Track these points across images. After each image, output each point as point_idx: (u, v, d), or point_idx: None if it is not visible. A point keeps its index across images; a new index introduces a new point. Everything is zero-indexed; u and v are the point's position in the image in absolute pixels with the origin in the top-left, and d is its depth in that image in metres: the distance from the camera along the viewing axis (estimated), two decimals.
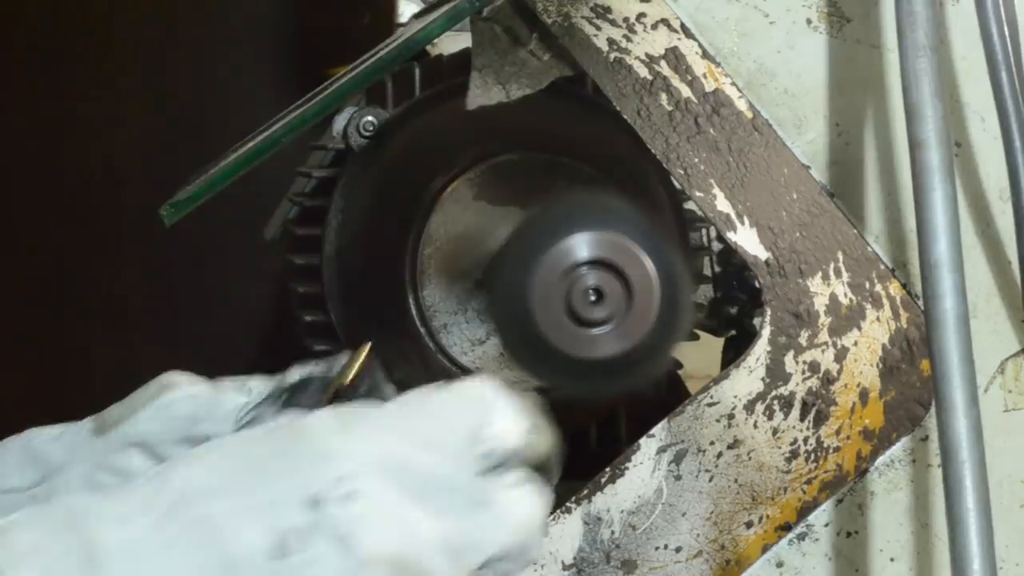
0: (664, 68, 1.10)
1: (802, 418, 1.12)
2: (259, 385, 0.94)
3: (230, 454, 0.82)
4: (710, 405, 1.12)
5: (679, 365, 1.34)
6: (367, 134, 1.30)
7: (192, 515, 0.79)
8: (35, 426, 1.01)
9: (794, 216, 1.11)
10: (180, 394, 0.95)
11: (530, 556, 0.86)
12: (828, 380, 1.12)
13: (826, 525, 1.13)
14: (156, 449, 0.94)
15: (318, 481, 0.80)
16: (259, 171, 1.09)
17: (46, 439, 0.97)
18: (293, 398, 0.97)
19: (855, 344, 1.12)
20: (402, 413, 0.84)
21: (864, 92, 1.11)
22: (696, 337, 1.37)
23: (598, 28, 1.10)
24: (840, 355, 1.12)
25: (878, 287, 1.12)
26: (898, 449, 1.13)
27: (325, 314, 1.31)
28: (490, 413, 0.85)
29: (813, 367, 1.12)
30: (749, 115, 1.11)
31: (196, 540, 0.79)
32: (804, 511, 1.12)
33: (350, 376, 0.93)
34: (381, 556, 0.80)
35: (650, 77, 1.10)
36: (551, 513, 1.10)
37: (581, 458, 1.31)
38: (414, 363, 1.26)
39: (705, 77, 1.10)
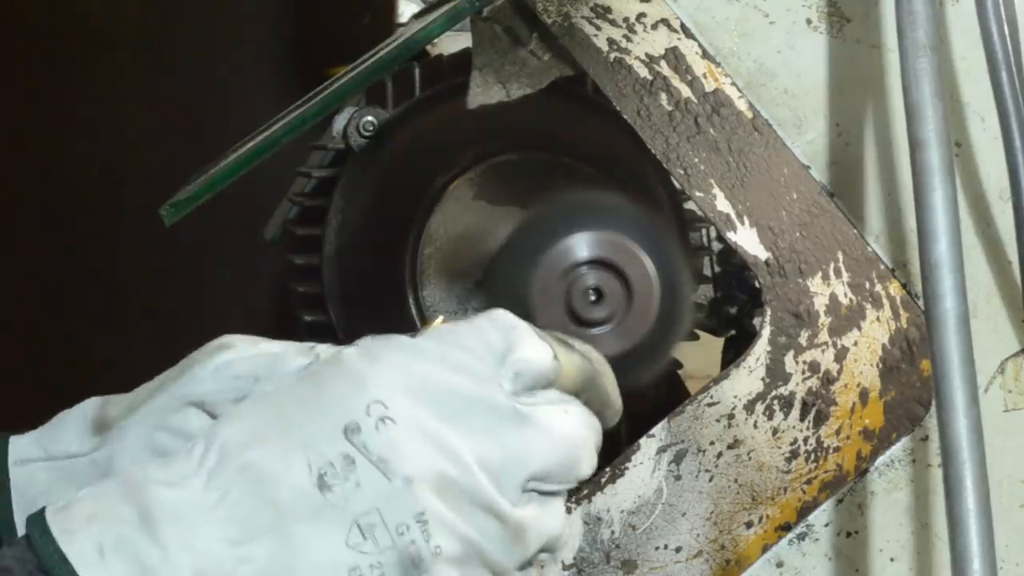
0: (664, 68, 1.10)
1: (802, 418, 1.12)
2: (326, 349, 0.93)
3: (267, 402, 0.84)
4: (710, 405, 1.12)
5: (679, 365, 1.34)
6: (367, 134, 1.30)
7: (236, 465, 0.81)
8: (34, 426, 1.02)
9: (794, 216, 1.11)
10: (238, 355, 0.95)
11: (579, 472, 0.87)
12: (828, 380, 1.12)
13: (826, 525, 1.13)
14: (215, 409, 0.94)
15: (351, 411, 0.81)
16: (259, 171, 1.09)
17: (107, 404, 0.98)
18: None
19: (855, 344, 1.12)
20: (431, 340, 0.85)
21: (864, 92, 1.11)
22: (696, 337, 1.37)
23: (598, 28, 1.10)
24: (840, 355, 1.12)
25: (878, 287, 1.12)
26: (898, 449, 1.13)
27: (325, 314, 1.31)
28: (518, 337, 0.86)
29: (813, 367, 1.12)
30: (749, 115, 1.11)
31: (243, 488, 0.81)
32: (804, 511, 1.12)
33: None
34: (422, 475, 0.81)
35: (650, 77, 1.10)
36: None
37: None
38: None
39: (705, 77, 1.10)
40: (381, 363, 0.83)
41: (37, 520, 0.80)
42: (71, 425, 0.98)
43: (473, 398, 0.84)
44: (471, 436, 0.83)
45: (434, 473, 0.82)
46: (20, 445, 0.99)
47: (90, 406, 0.99)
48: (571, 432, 0.86)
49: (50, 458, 0.97)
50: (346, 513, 0.80)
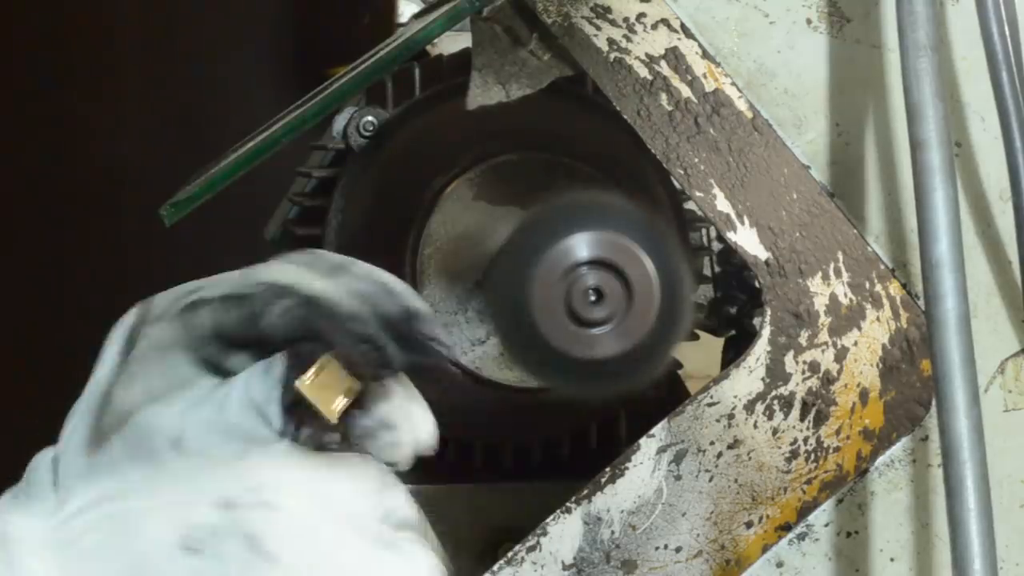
0: (664, 68, 1.10)
1: (802, 418, 1.12)
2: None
3: (148, 463, 0.82)
4: (710, 405, 1.12)
5: (679, 365, 1.34)
6: (367, 134, 1.30)
7: (103, 512, 0.80)
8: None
9: (794, 216, 1.11)
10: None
11: None
12: (828, 380, 1.12)
13: (826, 525, 1.13)
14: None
15: (233, 486, 0.81)
16: (259, 171, 1.09)
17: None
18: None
19: (855, 344, 1.12)
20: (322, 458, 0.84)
21: (864, 92, 1.11)
22: (696, 337, 1.37)
23: (598, 28, 1.10)
24: (840, 355, 1.12)
25: (878, 287, 1.12)
26: (898, 449, 1.13)
27: None
28: (393, 483, 0.86)
29: (813, 367, 1.12)
30: (749, 115, 1.11)
31: (105, 535, 0.80)
32: (804, 511, 1.12)
33: (334, 411, 0.84)
34: (289, 564, 0.80)
35: (650, 77, 1.10)
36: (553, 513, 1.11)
37: (581, 458, 1.31)
38: None
39: (705, 77, 1.10)
40: (280, 456, 0.82)
41: None
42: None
43: (356, 513, 0.83)
44: (349, 545, 0.82)
45: (303, 567, 0.81)
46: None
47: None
48: (428, 569, 0.85)
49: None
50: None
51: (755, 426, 1.12)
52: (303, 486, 0.82)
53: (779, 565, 1.13)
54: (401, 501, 0.86)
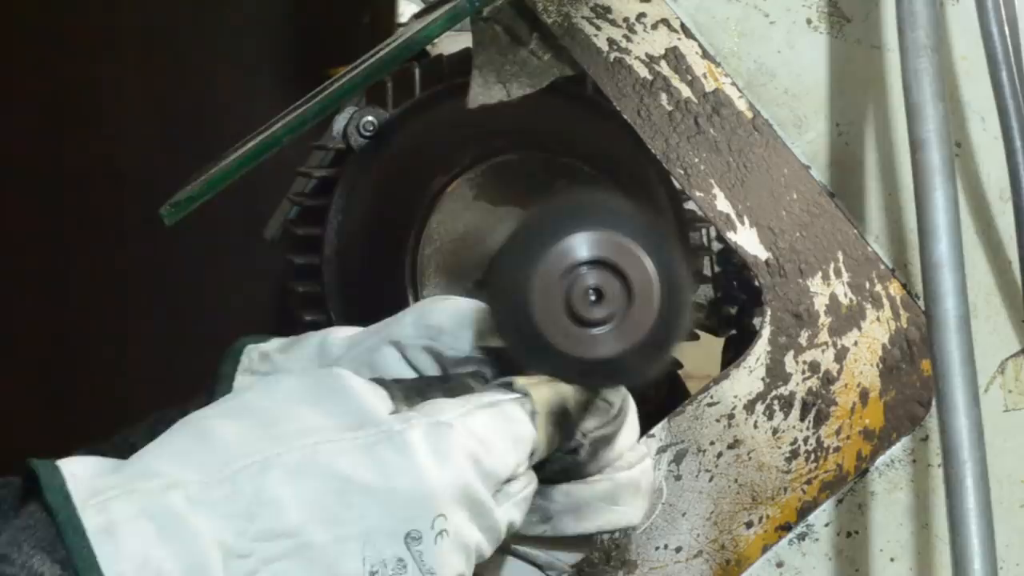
0: (664, 68, 1.10)
1: (802, 418, 1.12)
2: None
3: (328, 474, 0.83)
4: (710, 405, 1.12)
5: (679, 365, 1.34)
6: (367, 134, 1.30)
7: (293, 544, 0.81)
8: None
9: (794, 216, 1.11)
10: (440, 306, 0.98)
11: None
12: (828, 380, 1.12)
13: (826, 525, 1.13)
14: (407, 352, 0.97)
15: (416, 520, 0.84)
16: (259, 171, 1.09)
17: (338, 336, 1.00)
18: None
19: (855, 344, 1.12)
20: (477, 436, 0.88)
21: (864, 92, 1.11)
22: (696, 337, 1.37)
23: (598, 28, 1.10)
24: (840, 355, 1.12)
25: (878, 287, 1.12)
26: (898, 449, 1.13)
27: (325, 314, 1.31)
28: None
29: (813, 367, 1.12)
30: (749, 115, 1.11)
31: (291, 562, 0.82)
32: (804, 511, 1.12)
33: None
34: None
35: (650, 77, 1.10)
36: None
37: None
38: None
39: (705, 77, 1.10)
40: (448, 469, 0.85)
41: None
42: (308, 351, 1.00)
43: (486, 506, 0.87)
44: (480, 534, 0.87)
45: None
46: (253, 357, 1.01)
47: (325, 334, 1.01)
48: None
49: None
50: None
51: (755, 426, 1.12)
52: (470, 495, 0.88)
53: (779, 565, 1.13)
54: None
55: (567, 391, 0.92)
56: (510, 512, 0.88)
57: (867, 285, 1.12)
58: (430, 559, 0.83)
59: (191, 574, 0.78)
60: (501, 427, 0.88)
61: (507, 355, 0.94)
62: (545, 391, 0.91)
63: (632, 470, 0.96)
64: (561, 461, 0.93)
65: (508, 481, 0.88)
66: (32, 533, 0.78)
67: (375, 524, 0.83)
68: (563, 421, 0.91)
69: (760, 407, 1.12)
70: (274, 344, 1.02)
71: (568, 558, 0.98)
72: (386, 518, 0.83)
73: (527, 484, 0.89)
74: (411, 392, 0.90)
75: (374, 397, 0.87)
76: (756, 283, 1.15)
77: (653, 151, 1.10)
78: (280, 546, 0.81)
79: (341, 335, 1.00)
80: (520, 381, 0.91)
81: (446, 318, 0.97)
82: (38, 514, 0.79)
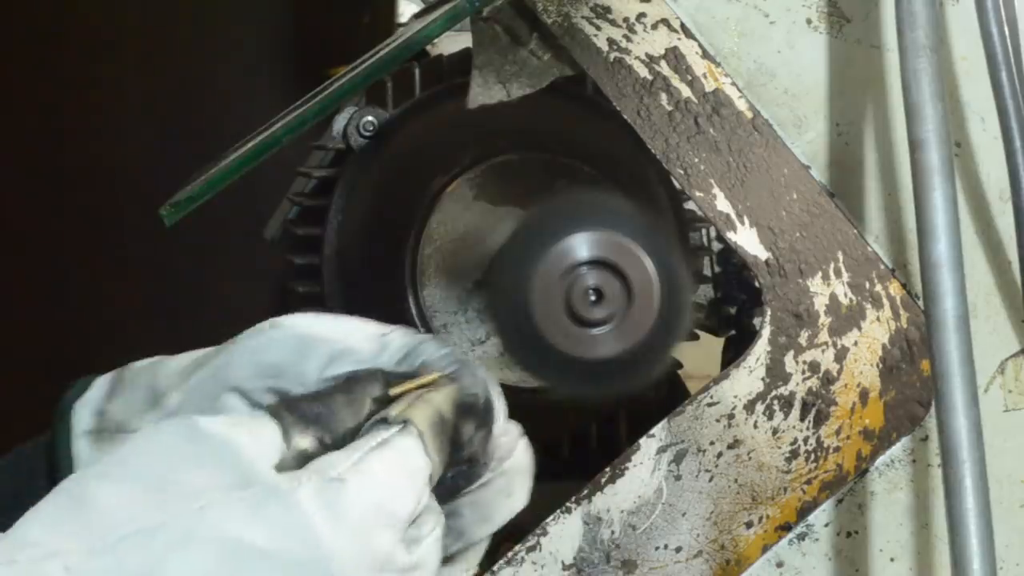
0: (664, 68, 1.10)
1: (802, 418, 1.12)
2: (390, 351, 0.92)
3: (214, 541, 0.78)
4: (710, 405, 1.12)
5: (679, 365, 1.34)
6: (367, 134, 1.30)
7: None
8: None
9: (794, 216, 1.11)
10: (274, 337, 0.92)
11: None
12: (828, 380, 1.12)
13: (826, 525, 1.13)
14: (251, 396, 0.92)
15: None
16: (259, 171, 1.09)
17: (169, 372, 0.95)
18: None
19: (855, 344, 1.12)
20: (374, 483, 0.83)
21: (864, 92, 1.11)
22: (696, 337, 1.37)
23: (598, 28, 1.10)
24: (840, 355, 1.12)
25: (878, 287, 1.12)
26: (898, 449, 1.13)
27: None
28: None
29: (813, 367, 1.12)
30: (749, 115, 1.11)
31: None
32: (804, 511, 1.12)
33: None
34: None
35: (650, 77, 1.10)
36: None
37: (581, 458, 1.31)
38: None
39: (705, 77, 1.10)
40: (343, 530, 0.80)
41: None
42: (138, 395, 0.96)
43: (394, 558, 0.83)
44: None
45: None
46: (83, 416, 0.96)
47: (154, 370, 0.96)
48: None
49: (119, 430, 0.95)
50: None
51: (755, 426, 1.12)
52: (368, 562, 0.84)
53: (779, 565, 1.13)
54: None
55: (438, 399, 0.88)
56: (426, 554, 0.83)
57: (867, 285, 1.12)
58: None
59: None
60: (396, 466, 0.83)
61: (357, 376, 0.90)
62: (421, 410, 0.86)
63: (516, 454, 0.92)
64: (457, 471, 0.89)
65: (415, 521, 0.84)
66: None
67: None
68: (446, 431, 0.87)
69: (760, 407, 1.12)
70: (98, 390, 0.97)
71: (475, 561, 0.94)
72: None
73: (436, 523, 0.85)
74: (306, 418, 0.85)
75: (256, 447, 0.82)
76: (756, 283, 1.15)
77: (653, 151, 1.10)
78: None
79: (171, 369, 0.96)
80: (393, 412, 0.86)
81: (285, 354, 0.91)
82: None
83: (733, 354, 1.34)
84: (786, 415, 1.12)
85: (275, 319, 0.94)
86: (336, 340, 0.93)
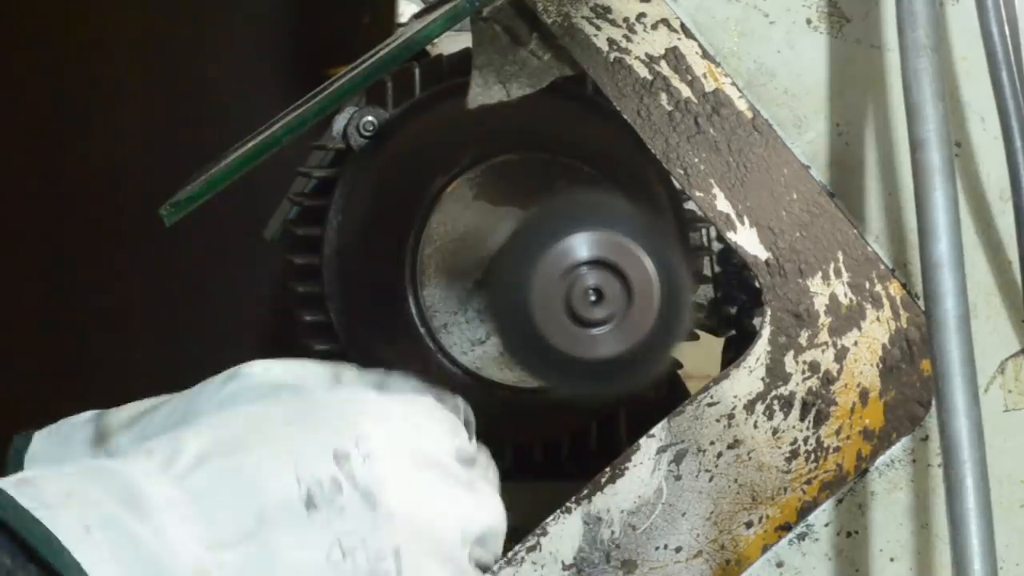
0: (664, 68, 1.10)
1: (802, 418, 1.12)
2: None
3: (248, 414, 0.84)
4: (710, 405, 1.12)
5: (679, 365, 1.34)
6: (367, 134, 1.30)
7: (215, 469, 0.81)
8: (33, 425, 1.01)
9: (794, 216, 1.11)
10: (246, 384, 0.95)
11: (498, 546, 0.94)
12: (828, 380, 1.12)
13: (826, 525, 1.13)
14: None
15: (340, 439, 0.83)
16: (259, 171, 1.09)
17: (107, 415, 0.98)
18: None
19: (855, 344, 1.12)
20: (398, 403, 0.90)
21: (864, 92, 1.11)
22: (696, 337, 1.37)
23: (598, 28, 1.10)
24: (840, 355, 1.12)
25: (878, 287, 1.12)
26: (898, 449, 1.13)
27: (325, 314, 1.31)
28: (460, 424, 0.94)
29: (813, 367, 1.12)
30: (749, 115, 1.11)
31: (224, 492, 0.81)
32: (804, 511, 1.12)
33: None
34: (402, 514, 0.84)
35: (650, 77, 1.10)
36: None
37: (581, 458, 1.31)
38: (414, 363, 1.26)
39: (705, 77, 1.10)
40: (366, 405, 0.86)
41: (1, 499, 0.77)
42: (77, 433, 0.97)
43: (436, 459, 0.89)
44: (439, 490, 0.88)
45: (411, 514, 0.85)
46: (32, 449, 0.98)
47: (91, 417, 0.99)
48: (499, 506, 0.93)
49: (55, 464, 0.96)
50: (328, 532, 0.82)
51: (755, 426, 1.12)
52: (397, 436, 0.87)
53: (779, 565, 1.13)
54: (466, 439, 0.93)
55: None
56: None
57: (867, 285, 1.12)
58: (362, 479, 0.83)
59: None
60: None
61: None
62: None
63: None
64: None
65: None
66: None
67: (303, 446, 0.82)
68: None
69: (760, 407, 1.12)
70: (34, 450, 0.97)
71: None
72: (312, 439, 0.83)
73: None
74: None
75: None
76: (756, 283, 1.15)
77: (653, 151, 1.10)
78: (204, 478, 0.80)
79: (117, 418, 0.98)
80: None
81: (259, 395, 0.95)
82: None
83: (733, 354, 1.34)
84: (786, 415, 1.12)
85: (231, 371, 0.97)
86: (292, 381, 0.95)
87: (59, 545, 0.75)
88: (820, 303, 1.11)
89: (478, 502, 0.91)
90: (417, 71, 1.34)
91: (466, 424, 0.96)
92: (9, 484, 0.78)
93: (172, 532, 0.78)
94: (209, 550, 0.79)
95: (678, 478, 1.12)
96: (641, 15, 1.10)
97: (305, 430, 0.83)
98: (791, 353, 1.12)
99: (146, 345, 2.78)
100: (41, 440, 0.99)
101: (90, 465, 0.82)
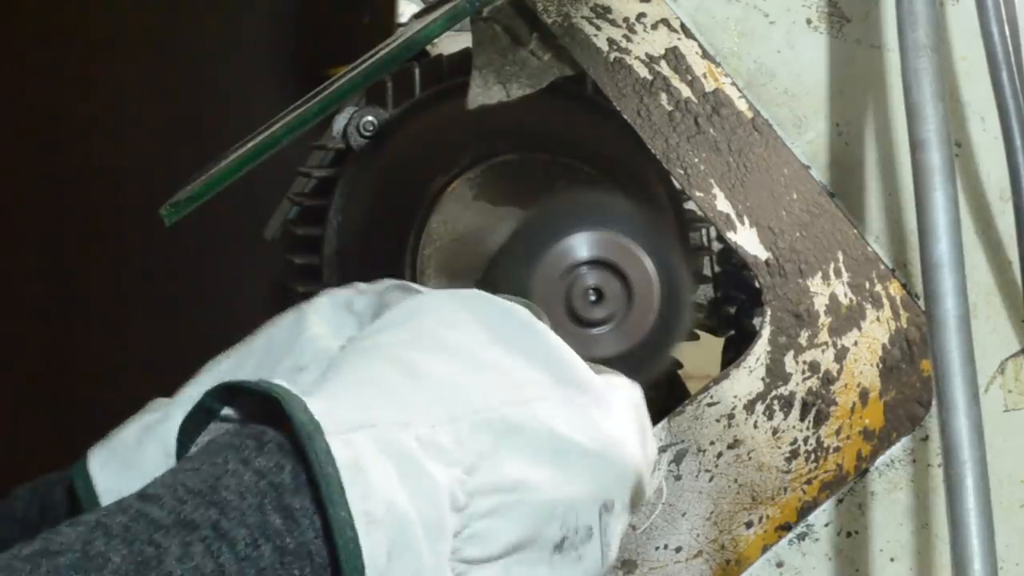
0: (664, 68, 1.10)
1: (802, 418, 1.12)
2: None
3: (544, 436, 0.83)
4: (710, 405, 1.12)
5: (679, 365, 1.34)
6: (367, 134, 1.30)
7: (505, 501, 0.81)
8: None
9: (794, 216, 1.11)
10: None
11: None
12: (828, 380, 1.12)
13: (826, 525, 1.13)
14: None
15: (616, 490, 0.85)
16: (259, 171, 1.09)
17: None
18: None
19: (855, 344, 1.12)
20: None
21: (864, 92, 1.11)
22: (696, 337, 1.37)
23: (598, 28, 1.10)
24: (840, 355, 1.12)
25: (878, 287, 1.12)
26: (898, 449, 1.13)
27: None
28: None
29: (813, 367, 1.12)
30: (749, 115, 1.11)
31: (507, 521, 0.81)
32: (804, 511, 1.12)
33: None
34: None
35: (650, 77, 1.10)
36: None
37: None
38: None
39: (705, 77, 1.10)
40: (634, 443, 0.87)
41: (302, 420, 0.75)
42: (149, 452, 0.95)
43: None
44: None
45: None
46: (103, 480, 0.95)
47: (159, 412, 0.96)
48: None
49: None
50: (559, 572, 0.83)
51: (755, 426, 1.12)
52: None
53: (779, 565, 1.13)
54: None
55: None
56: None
57: (867, 285, 1.12)
58: (610, 531, 0.84)
59: (427, 524, 0.77)
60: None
61: None
62: None
63: None
64: None
65: None
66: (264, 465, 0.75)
67: (583, 490, 0.83)
68: None
69: (760, 407, 1.12)
70: (108, 477, 0.95)
71: None
72: (592, 485, 0.83)
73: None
74: None
75: (567, 348, 0.87)
76: (756, 283, 1.15)
77: (653, 151, 1.10)
78: (492, 501, 0.80)
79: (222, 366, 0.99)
80: None
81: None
82: (272, 445, 0.76)
83: (733, 354, 1.33)
84: (786, 415, 1.12)
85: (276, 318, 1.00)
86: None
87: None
88: (820, 303, 1.11)
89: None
90: (417, 71, 1.34)
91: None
92: (289, 397, 0.77)
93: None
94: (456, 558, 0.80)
95: (678, 478, 1.12)
96: (641, 15, 1.10)
97: (594, 473, 0.84)
98: (791, 353, 1.12)
99: (146, 345, 2.78)
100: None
101: (409, 458, 0.81)
